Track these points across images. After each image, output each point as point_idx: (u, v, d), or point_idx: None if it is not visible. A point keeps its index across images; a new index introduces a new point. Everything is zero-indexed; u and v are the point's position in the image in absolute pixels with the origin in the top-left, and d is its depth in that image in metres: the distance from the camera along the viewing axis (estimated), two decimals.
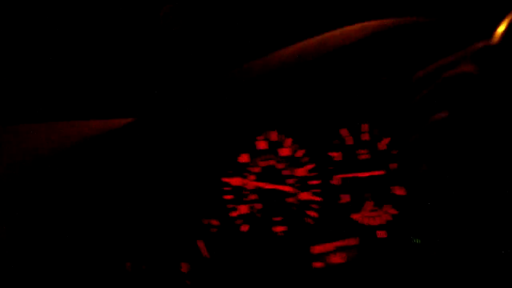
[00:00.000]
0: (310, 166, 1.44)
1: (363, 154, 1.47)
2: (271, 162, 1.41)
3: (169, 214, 1.33)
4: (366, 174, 1.47)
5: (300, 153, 1.44)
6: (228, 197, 1.36)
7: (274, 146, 1.42)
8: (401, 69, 1.43)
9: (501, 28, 0.81)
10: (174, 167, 1.34)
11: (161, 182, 1.32)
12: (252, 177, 1.39)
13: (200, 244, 1.27)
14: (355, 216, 1.45)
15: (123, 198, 1.26)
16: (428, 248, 1.37)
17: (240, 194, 1.38)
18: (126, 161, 1.27)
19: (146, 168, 1.30)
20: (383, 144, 1.47)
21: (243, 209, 1.38)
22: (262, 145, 1.41)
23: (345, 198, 1.45)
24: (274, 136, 1.42)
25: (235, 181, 1.38)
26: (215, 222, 1.33)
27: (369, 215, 1.44)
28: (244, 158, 1.40)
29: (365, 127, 1.47)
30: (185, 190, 1.34)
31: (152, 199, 1.32)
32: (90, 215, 1.22)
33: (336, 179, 1.45)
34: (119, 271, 1.20)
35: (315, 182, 1.44)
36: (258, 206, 1.39)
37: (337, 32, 1.40)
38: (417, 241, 1.39)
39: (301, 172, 1.44)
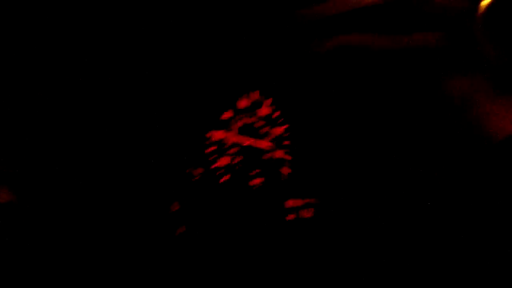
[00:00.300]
0: (285, 126, 1.56)
1: None
2: (251, 120, 1.52)
3: (159, 162, 1.43)
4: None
5: (277, 113, 1.55)
6: (211, 149, 1.48)
7: (255, 106, 1.53)
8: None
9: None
10: (163, 121, 1.45)
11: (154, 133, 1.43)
12: (233, 132, 1.50)
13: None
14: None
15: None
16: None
17: (221, 147, 1.49)
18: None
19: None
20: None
21: (224, 161, 1.49)
22: (244, 103, 1.51)
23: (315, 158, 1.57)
24: (256, 95, 1.53)
25: (217, 134, 1.49)
26: (198, 171, 1.45)
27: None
28: (226, 115, 1.51)
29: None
30: (173, 142, 1.45)
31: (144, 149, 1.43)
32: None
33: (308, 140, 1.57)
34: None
35: (289, 142, 1.55)
36: (237, 159, 1.50)
37: None
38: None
39: (277, 131, 1.55)
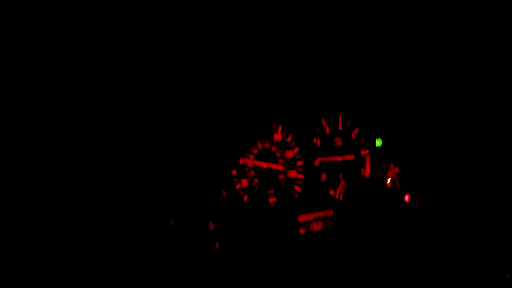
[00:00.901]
0: (296, 150, 1.76)
1: (338, 142, 1.82)
2: (266, 145, 1.71)
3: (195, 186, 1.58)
4: (340, 158, 1.83)
5: (289, 138, 1.75)
6: (234, 173, 1.64)
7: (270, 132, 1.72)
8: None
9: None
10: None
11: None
12: (251, 157, 1.68)
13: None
14: (331, 192, 1.80)
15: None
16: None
17: (242, 171, 1.66)
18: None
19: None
20: (354, 134, 1.83)
21: (244, 182, 1.66)
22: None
23: (324, 177, 1.79)
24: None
25: (240, 160, 1.66)
26: (223, 192, 1.61)
27: (342, 192, 1.80)
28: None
29: (339, 118, 1.82)
30: (207, 168, 1.60)
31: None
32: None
33: (317, 161, 1.79)
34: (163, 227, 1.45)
35: (300, 163, 1.76)
36: (256, 180, 1.68)
37: None
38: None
39: (289, 154, 1.75)
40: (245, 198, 1.66)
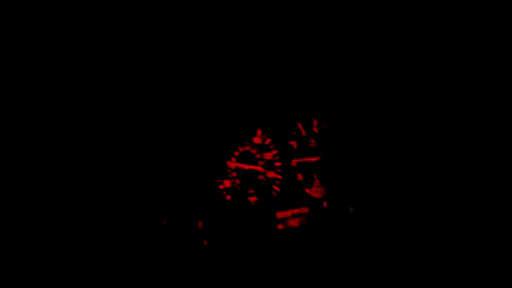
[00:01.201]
0: (274, 152, 1.90)
1: (312, 143, 1.97)
2: (247, 148, 1.84)
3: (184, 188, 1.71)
4: (315, 159, 1.97)
5: (267, 141, 1.89)
6: (217, 174, 1.78)
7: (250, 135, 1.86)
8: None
9: None
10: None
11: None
12: (234, 159, 1.81)
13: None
14: (307, 191, 1.95)
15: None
16: (360, 216, 1.92)
17: (225, 173, 1.80)
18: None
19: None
20: (327, 136, 1.98)
21: (227, 183, 1.80)
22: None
23: (300, 177, 1.94)
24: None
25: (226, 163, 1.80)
26: (207, 193, 1.75)
27: (316, 190, 1.95)
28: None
29: (315, 122, 1.97)
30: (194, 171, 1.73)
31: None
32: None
33: (294, 162, 1.93)
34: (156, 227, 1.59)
35: (278, 164, 1.90)
36: (238, 181, 1.82)
37: None
38: (351, 210, 1.93)
39: (268, 156, 1.89)
40: (228, 197, 1.80)
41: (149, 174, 1.64)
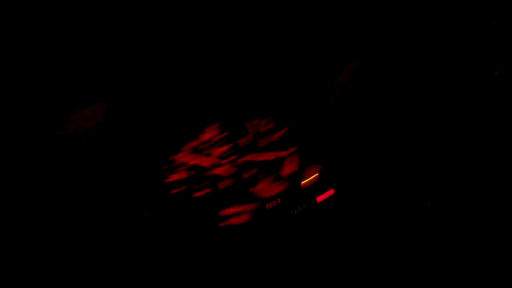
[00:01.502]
0: (222, 149, 1.91)
1: (261, 143, 1.99)
2: (195, 144, 1.85)
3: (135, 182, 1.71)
4: (261, 158, 2.00)
5: (216, 139, 1.89)
6: (165, 167, 1.77)
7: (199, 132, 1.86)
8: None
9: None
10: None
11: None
12: (182, 154, 1.81)
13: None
14: (252, 189, 1.97)
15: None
16: (304, 216, 1.95)
17: (172, 167, 1.79)
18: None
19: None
20: (276, 136, 2.01)
21: (174, 177, 1.80)
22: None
23: (246, 175, 1.96)
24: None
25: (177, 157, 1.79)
26: (154, 187, 1.75)
27: (262, 189, 1.98)
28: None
29: (264, 121, 1.98)
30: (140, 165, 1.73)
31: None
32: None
33: (241, 160, 1.95)
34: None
35: (225, 161, 1.91)
36: (184, 175, 1.82)
37: None
38: (295, 212, 1.97)
39: (216, 153, 1.90)
40: (173, 191, 1.79)
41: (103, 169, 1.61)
